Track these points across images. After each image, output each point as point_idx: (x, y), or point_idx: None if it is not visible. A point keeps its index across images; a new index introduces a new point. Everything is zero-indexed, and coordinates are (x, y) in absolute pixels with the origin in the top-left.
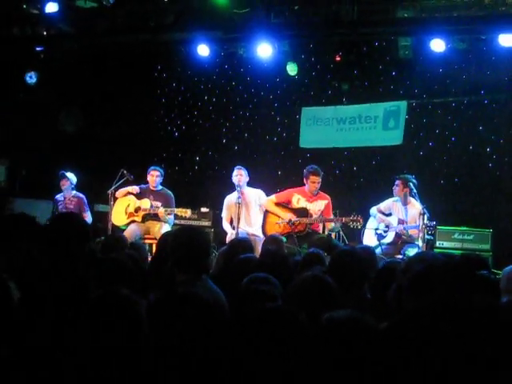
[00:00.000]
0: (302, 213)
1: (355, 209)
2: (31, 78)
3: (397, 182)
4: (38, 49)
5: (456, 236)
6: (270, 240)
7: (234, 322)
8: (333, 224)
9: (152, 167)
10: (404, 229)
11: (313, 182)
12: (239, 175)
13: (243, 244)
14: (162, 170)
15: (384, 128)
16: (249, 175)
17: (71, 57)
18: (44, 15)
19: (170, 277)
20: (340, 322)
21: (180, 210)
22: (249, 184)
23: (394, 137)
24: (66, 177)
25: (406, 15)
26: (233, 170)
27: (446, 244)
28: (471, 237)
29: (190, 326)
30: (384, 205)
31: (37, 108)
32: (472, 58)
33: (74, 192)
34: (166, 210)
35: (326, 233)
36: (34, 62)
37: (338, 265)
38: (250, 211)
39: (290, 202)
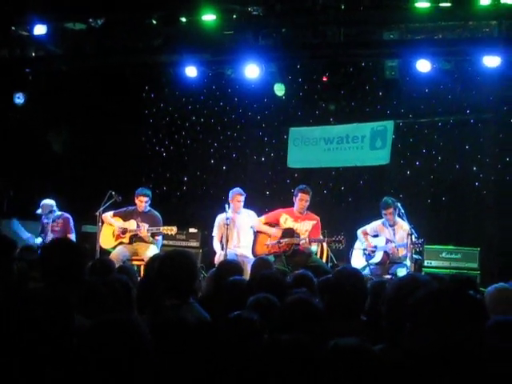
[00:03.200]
0: (288, 233)
1: (343, 228)
2: (19, 98)
3: (388, 210)
4: (26, 70)
5: (444, 255)
6: (261, 263)
7: (242, 352)
8: (311, 246)
9: (140, 191)
10: (395, 246)
11: (301, 200)
12: (241, 201)
13: (231, 266)
14: (149, 193)
15: (371, 148)
16: None
17: (59, 78)
18: (32, 37)
19: (156, 301)
20: (345, 350)
21: (166, 228)
22: None
23: (381, 156)
24: (46, 213)
25: (392, 37)
26: (229, 192)
27: (434, 263)
28: (459, 255)
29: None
30: (370, 227)
31: (25, 128)
32: (457, 78)
33: (60, 213)
34: (148, 230)
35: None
36: (23, 83)
37: (330, 287)
38: (240, 232)
39: (278, 221)
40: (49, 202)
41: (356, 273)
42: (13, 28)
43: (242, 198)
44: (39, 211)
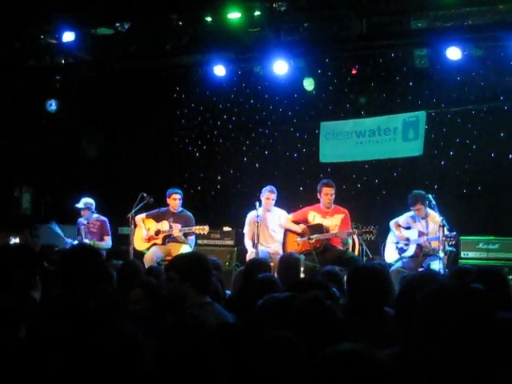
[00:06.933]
0: (317, 229)
1: (378, 222)
2: (51, 105)
3: (415, 207)
4: (57, 77)
5: (481, 246)
6: (285, 259)
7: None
8: (345, 238)
9: (171, 190)
10: (427, 240)
11: (326, 195)
12: (271, 199)
13: (260, 264)
14: (181, 192)
15: (404, 139)
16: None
17: (90, 83)
18: (61, 44)
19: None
20: (341, 357)
21: (198, 227)
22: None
23: (414, 147)
24: (84, 208)
25: (419, 25)
26: (261, 189)
27: (470, 254)
28: (496, 246)
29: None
30: (402, 219)
31: (58, 135)
32: (489, 64)
33: (97, 215)
34: (180, 230)
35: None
36: (54, 90)
37: (353, 284)
38: (272, 229)
39: (306, 219)
40: (89, 199)
41: (374, 268)
42: (41, 37)
43: (273, 196)
44: (79, 205)
